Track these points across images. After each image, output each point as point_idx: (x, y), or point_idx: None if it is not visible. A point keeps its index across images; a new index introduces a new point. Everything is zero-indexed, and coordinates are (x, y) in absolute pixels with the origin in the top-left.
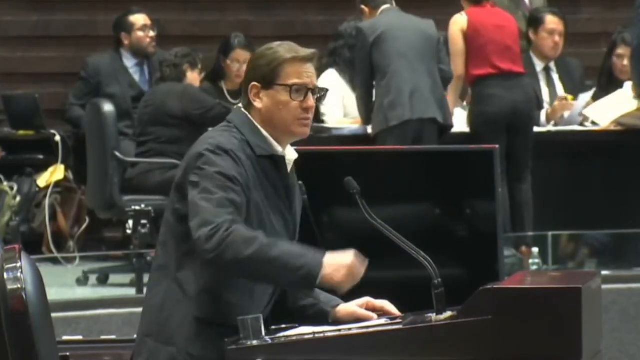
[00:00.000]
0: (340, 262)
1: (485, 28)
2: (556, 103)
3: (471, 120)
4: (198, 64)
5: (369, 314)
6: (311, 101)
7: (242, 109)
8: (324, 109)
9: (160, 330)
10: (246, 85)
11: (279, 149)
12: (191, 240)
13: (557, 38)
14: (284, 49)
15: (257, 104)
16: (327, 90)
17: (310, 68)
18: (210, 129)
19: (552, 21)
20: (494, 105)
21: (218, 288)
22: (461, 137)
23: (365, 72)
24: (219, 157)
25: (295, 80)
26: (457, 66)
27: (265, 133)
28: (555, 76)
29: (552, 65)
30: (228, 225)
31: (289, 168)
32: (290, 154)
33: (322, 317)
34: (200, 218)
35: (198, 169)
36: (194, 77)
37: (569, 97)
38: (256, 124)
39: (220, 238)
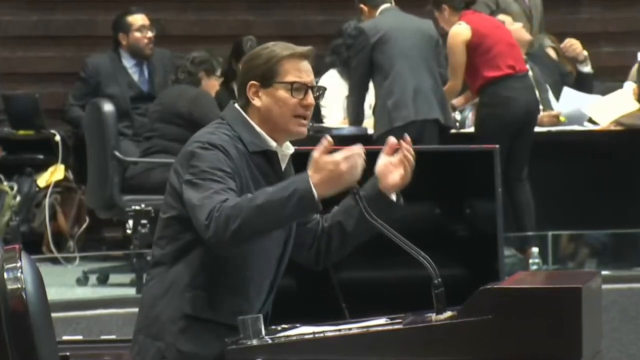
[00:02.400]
0: (324, 165)
1: (489, 29)
2: (545, 116)
3: (482, 121)
4: (215, 70)
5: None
6: (311, 99)
7: (236, 106)
8: (324, 110)
9: (151, 325)
10: (243, 85)
11: (273, 143)
12: (184, 237)
13: None
14: (279, 47)
15: (256, 102)
16: (325, 88)
17: (307, 65)
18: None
19: None
20: (510, 108)
21: (210, 285)
22: (464, 137)
23: (362, 74)
24: (209, 152)
25: (295, 79)
26: (457, 79)
27: (258, 129)
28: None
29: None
30: (218, 206)
31: (284, 163)
32: (286, 149)
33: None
34: (199, 215)
35: (191, 167)
36: (210, 84)
37: (562, 118)
38: (249, 120)
39: (216, 223)
